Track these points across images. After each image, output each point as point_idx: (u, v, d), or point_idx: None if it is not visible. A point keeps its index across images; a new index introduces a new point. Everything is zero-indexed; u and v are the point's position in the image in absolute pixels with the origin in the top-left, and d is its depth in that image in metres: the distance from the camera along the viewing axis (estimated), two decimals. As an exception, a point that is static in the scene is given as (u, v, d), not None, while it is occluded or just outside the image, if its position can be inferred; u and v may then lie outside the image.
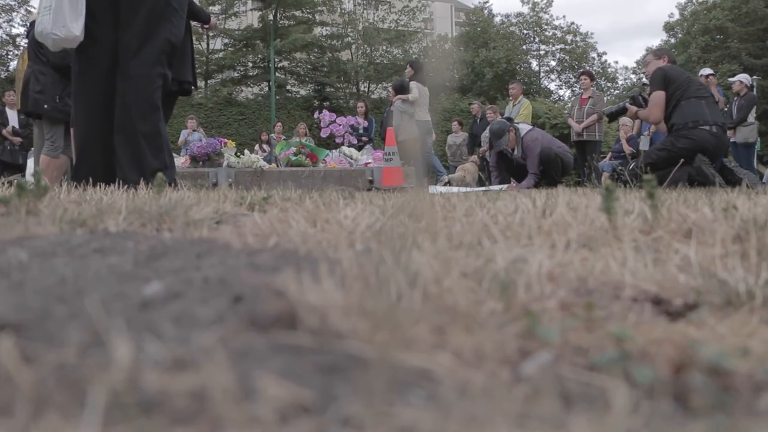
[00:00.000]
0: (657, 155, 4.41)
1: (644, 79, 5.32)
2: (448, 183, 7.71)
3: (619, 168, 4.82)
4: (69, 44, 2.81)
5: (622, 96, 28.69)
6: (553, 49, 30.27)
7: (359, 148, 7.15)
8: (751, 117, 8.54)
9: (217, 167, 5.47)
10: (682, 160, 3.83)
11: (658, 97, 4.56)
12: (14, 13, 23.03)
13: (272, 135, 11.67)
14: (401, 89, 7.79)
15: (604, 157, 9.23)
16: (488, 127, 7.32)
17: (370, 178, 5.42)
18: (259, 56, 24.56)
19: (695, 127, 4.35)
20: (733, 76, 9.55)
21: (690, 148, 4.29)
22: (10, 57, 22.38)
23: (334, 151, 6.53)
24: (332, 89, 25.24)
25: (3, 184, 2.15)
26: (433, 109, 8.35)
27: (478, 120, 10.15)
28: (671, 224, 1.12)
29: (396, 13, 26.62)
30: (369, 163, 6.08)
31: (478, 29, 28.90)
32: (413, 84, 7.82)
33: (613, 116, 5.39)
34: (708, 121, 4.37)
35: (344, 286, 0.55)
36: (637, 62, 30.61)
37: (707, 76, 7.69)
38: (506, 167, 6.85)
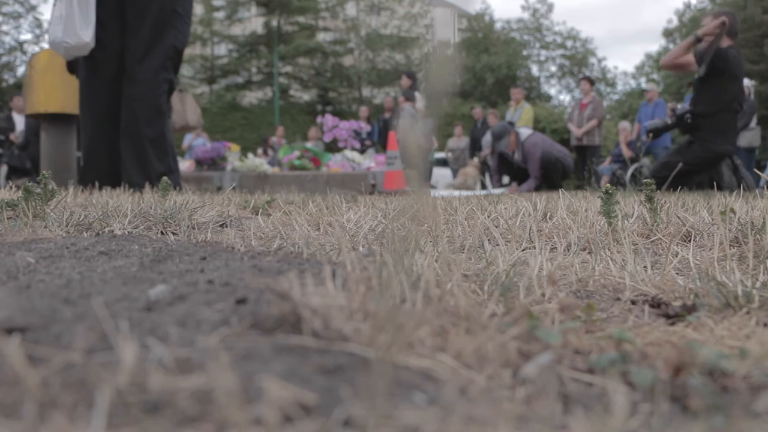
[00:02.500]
0: (693, 164, 4.25)
1: (643, 85, 5.22)
2: None
3: (619, 172, 4.80)
4: (80, 51, 2.82)
5: (621, 101, 28.67)
6: (554, 54, 30.30)
7: (362, 152, 7.17)
8: (753, 122, 8.52)
9: (222, 171, 5.48)
10: (681, 164, 3.86)
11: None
12: (22, 20, 23.14)
13: (274, 139, 11.69)
14: (413, 98, 8.09)
15: (604, 161, 9.23)
16: (489, 131, 7.35)
17: (373, 181, 5.42)
18: (263, 61, 24.65)
19: (728, 139, 4.42)
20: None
21: (718, 160, 4.39)
22: (17, 63, 22.50)
23: (336, 154, 6.54)
24: (335, 94, 25.30)
25: (11, 188, 2.16)
26: (434, 114, 8.54)
27: (479, 124, 10.16)
28: (670, 228, 1.12)
29: (398, 19, 26.68)
30: (371, 167, 6.08)
31: (479, 35, 28.94)
32: (417, 93, 8.03)
33: (658, 132, 5.17)
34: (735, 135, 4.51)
35: (347, 289, 0.56)
36: (636, 67, 30.61)
37: None
38: (507, 171, 6.86)
